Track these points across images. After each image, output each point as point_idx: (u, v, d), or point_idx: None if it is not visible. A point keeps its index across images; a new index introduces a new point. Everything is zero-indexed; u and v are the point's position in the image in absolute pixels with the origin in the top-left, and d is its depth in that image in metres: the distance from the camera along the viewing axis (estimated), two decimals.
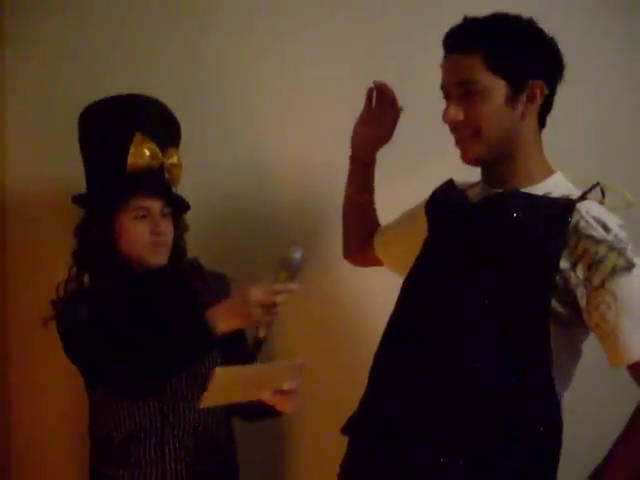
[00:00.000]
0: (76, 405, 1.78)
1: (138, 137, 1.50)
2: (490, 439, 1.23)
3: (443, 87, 1.32)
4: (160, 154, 1.53)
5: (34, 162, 1.91)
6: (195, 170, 1.68)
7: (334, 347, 1.85)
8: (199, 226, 1.71)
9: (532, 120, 1.29)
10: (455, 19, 1.30)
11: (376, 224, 1.67)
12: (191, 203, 1.62)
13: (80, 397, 1.64)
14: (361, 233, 1.66)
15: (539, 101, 1.27)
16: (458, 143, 1.31)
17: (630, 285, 1.19)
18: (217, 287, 1.63)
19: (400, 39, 1.84)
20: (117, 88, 1.57)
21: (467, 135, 1.29)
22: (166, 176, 1.55)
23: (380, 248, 1.63)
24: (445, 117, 1.29)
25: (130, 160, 1.50)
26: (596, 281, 1.19)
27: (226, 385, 1.32)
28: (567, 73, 1.30)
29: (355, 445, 1.40)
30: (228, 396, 1.37)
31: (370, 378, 1.39)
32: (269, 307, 1.35)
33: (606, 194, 1.28)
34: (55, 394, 1.91)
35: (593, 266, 1.20)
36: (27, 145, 1.92)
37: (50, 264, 1.74)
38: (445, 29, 1.30)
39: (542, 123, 1.33)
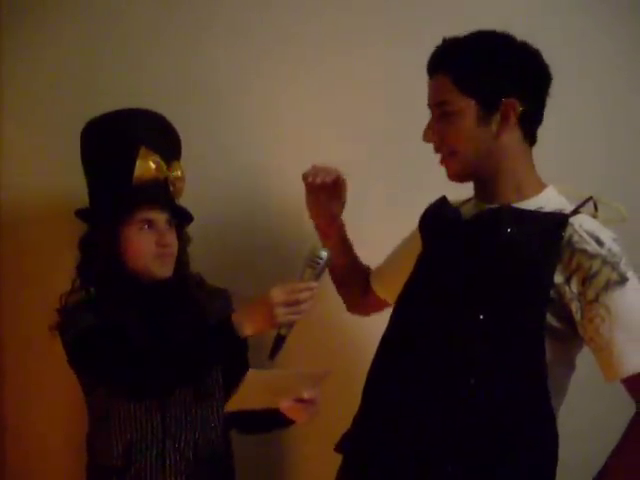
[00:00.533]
0: (72, 416, 1.78)
1: (143, 151, 1.52)
2: (486, 454, 1.23)
3: (429, 105, 1.35)
4: (165, 167, 1.55)
5: (28, 174, 1.91)
6: (194, 182, 1.69)
7: (330, 360, 1.84)
8: (198, 238, 1.70)
9: (513, 136, 1.29)
10: (455, 23, 1.32)
11: (366, 270, 1.66)
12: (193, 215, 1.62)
13: (76, 409, 1.64)
14: (356, 285, 1.66)
15: (514, 119, 1.27)
16: (440, 162, 1.34)
17: (623, 299, 1.20)
18: (219, 302, 1.63)
19: (403, 41, 1.84)
20: (114, 98, 1.57)
21: (445, 154, 1.32)
22: (171, 189, 1.57)
23: (380, 288, 1.61)
24: (423, 138, 1.33)
25: (137, 173, 1.51)
26: (590, 295, 1.20)
27: (254, 389, 1.32)
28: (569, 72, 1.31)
29: (349, 463, 1.39)
30: (253, 401, 1.37)
31: (364, 395, 1.39)
32: (293, 305, 1.34)
33: (600, 208, 1.29)
34: (50, 405, 1.90)
35: (587, 280, 1.20)
36: (20, 159, 1.92)
37: (43, 276, 1.77)
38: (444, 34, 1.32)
39: (531, 137, 1.33)
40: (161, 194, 1.55)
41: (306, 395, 1.37)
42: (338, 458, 1.40)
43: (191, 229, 1.65)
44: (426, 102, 1.35)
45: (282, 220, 1.90)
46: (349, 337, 1.87)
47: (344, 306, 1.71)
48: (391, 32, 1.83)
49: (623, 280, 1.20)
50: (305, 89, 1.88)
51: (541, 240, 1.23)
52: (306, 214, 1.58)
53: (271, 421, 1.52)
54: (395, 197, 1.81)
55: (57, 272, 1.62)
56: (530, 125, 1.31)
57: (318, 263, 1.35)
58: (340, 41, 1.86)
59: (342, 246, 1.60)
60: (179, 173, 1.58)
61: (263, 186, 1.90)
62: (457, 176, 1.33)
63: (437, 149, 1.33)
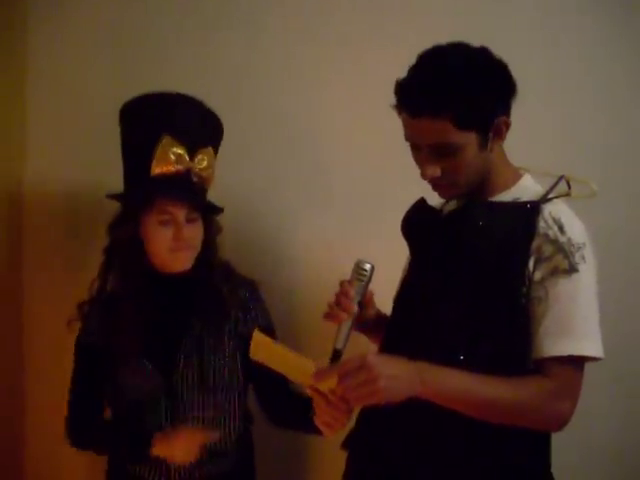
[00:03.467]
0: None
1: (166, 140, 1.48)
2: (488, 433, 1.25)
3: (410, 141, 1.30)
4: (187, 158, 1.49)
5: (53, 162, 1.94)
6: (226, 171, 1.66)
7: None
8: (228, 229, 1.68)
9: (498, 144, 1.32)
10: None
11: None
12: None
13: None
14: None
15: (506, 133, 1.30)
16: (435, 189, 1.34)
17: (565, 288, 1.23)
18: (245, 291, 1.64)
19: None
20: (138, 84, 1.57)
21: (446, 185, 1.32)
22: (194, 180, 1.51)
23: None
24: (424, 176, 1.30)
25: (155, 164, 1.48)
26: (537, 276, 1.24)
27: (266, 350, 1.31)
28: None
29: (353, 460, 1.43)
30: (271, 361, 1.32)
31: None
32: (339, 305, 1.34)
33: (573, 186, 1.34)
34: None
35: (539, 262, 1.24)
36: (47, 146, 1.94)
37: (66, 267, 1.83)
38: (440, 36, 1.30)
39: None
40: (181, 188, 1.50)
41: (321, 387, 1.26)
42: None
43: (224, 218, 1.62)
44: None
45: (308, 213, 1.93)
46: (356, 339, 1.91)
47: None
48: (400, 33, 1.84)
49: (571, 270, 1.23)
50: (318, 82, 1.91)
51: (513, 230, 1.26)
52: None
53: (301, 421, 1.49)
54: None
55: (83, 263, 1.69)
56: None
57: (364, 275, 1.35)
58: (356, 41, 1.87)
59: (379, 325, 1.51)
60: (205, 163, 1.51)
61: (289, 179, 1.92)
62: (453, 197, 1.37)
63: (436, 182, 1.31)
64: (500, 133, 1.29)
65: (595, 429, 1.81)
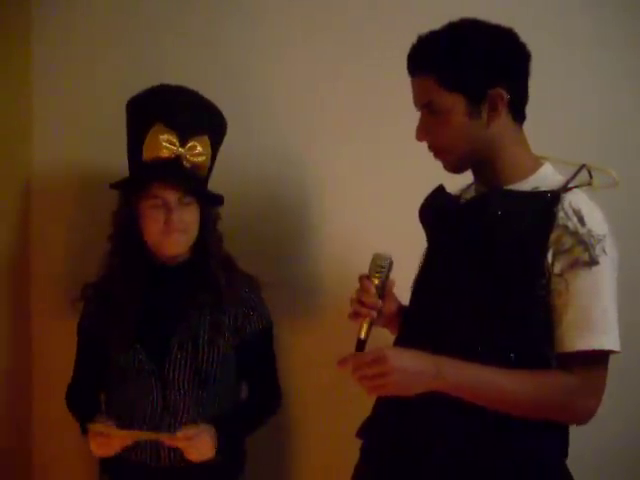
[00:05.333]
0: None
1: (157, 127, 1.54)
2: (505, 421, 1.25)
3: (415, 106, 1.36)
4: (178, 144, 1.55)
5: (60, 150, 1.96)
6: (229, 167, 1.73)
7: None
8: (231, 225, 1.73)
9: (504, 122, 1.30)
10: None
11: None
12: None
13: None
14: None
15: (502, 107, 1.28)
16: (435, 157, 1.36)
17: (584, 281, 1.22)
18: (245, 289, 1.66)
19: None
20: (141, 77, 1.63)
21: (438, 151, 1.34)
22: (187, 166, 1.56)
23: None
24: (416, 137, 1.35)
25: (145, 150, 1.55)
26: (557, 268, 1.23)
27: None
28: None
29: (368, 448, 1.43)
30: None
31: None
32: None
33: (594, 175, 1.31)
34: None
35: (558, 254, 1.23)
36: (53, 133, 1.96)
37: (75, 249, 1.84)
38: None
39: (520, 117, 1.34)
40: (171, 172, 1.55)
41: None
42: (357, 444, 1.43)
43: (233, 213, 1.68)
44: None
45: (303, 210, 1.94)
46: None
47: None
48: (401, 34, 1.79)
49: (592, 262, 1.22)
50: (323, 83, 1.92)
51: (533, 219, 1.25)
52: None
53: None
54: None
55: (89, 245, 1.70)
56: (519, 107, 1.33)
57: (383, 268, 1.36)
58: (362, 40, 1.88)
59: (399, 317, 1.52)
60: (198, 149, 1.57)
61: (289, 175, 1.94)
62: (453, 169, 1.36)
63: (430, 147, 1.35)
64: (495, 106, 1.27)
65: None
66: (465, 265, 1.31)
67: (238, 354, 1.66)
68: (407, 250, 1.45)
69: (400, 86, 1.38)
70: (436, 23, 1.31)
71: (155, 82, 1.64)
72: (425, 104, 1.31)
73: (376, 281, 1.33)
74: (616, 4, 1.81)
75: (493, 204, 1.28)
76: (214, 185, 1.69)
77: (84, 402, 1.68)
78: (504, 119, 1.30)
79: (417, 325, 1.39)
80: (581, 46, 1.83)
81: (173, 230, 1.57)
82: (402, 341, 1.40)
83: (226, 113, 1.68)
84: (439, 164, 1.37)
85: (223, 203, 1.66)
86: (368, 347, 1.32)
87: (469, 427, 1.27)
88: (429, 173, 1.37)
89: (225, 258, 1.68)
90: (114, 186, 1.62)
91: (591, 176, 1.32)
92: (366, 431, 1.43)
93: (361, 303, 1.34)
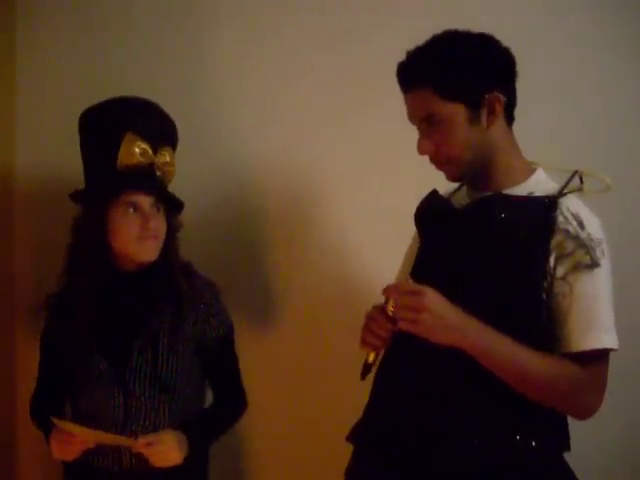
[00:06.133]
0: None
1: (129, 136, 1.55)
2: (507, 418, 1.26)
3: (411, 122, 1.35)
4: (151, 152, 1.57)
5: (41, 157, 1.97)
6: (187, 172, 1.73)
7: (341, 351, 1.82)
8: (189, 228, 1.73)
9: (499, 125, 1.31)
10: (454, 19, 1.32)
11: None
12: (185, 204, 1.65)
13: None
14: None
15: (500, 110, 1.29)
16: (438, 168, 1.35)
17: (587, 283, 1.24)
18: (205, 295, 1.66)
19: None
20: (118, 86, 1.63)
21: (442, 162, 1.33)
22: (158, 174, 1.59)
23: None
24: (419, 152, 1.34)
25: (120, 158, 1.55)
26: (559, 272, 1.25)
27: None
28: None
29: (359, 453, 1.41)
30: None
31: (374, 384, 1.40)
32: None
33: (585, 180, 1.31)
34: None
35: (560, 258, 1.25)
36: (36, 136, 1.97)
37: (56, 258, 1.74)
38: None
39: (512, 119, 1.34)
40: (146, 179, 1.57)
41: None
42: (348, 448, 1.42)
43: (189, 219, 1.68)
44: None
45: (279, 217, 1.94)
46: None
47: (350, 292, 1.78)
48: (391, 29, 1.84)
49: (594, 265, 1.24)
50: (307, 85, 1.91)
51: (533, 224, 1.25)
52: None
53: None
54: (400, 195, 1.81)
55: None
56: (511, 110, 1.34)
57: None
58: (342, 38, 1.88)
59: None
60: (167, 158, 1.60)
61: (259, 180, 1.94)
62: (456, 178, 1.36)
63: (433, 159, 1.34)
64: (494, 110, 1.29)
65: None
66: (466, 269, 1.30)
67: (200, 359, 1.67)
68: (394, 254, 1.49)
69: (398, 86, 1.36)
70: (436, 23, 1.32)
71: (137, 89, 1.66)
72: (425, 117, 1.30)
73: (391, 307, 1.30)
74: (616, 4, 1.80)
75: (495, 208, 1.28)
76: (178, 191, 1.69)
77: (48, 410, 1.65)
78: (500, 122, 1.31)
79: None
80: (581, 46, 1.81)
81: (149, 236, 1.58)
82: (400, 346, 1.36)
83: (194, 114, 1.72)
84: (433, 169, 1.36)
85: (183, 209, 1.68)
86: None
87: (468, 426, 1.26)
88: (412, 180, 1.42)
89: (184, 264, 1.68)
90: (82, 198, 1.62)
91: (582, 181, 1.32)
92: (357, 435, 1.41)
93: (371, 332, 1.33)
